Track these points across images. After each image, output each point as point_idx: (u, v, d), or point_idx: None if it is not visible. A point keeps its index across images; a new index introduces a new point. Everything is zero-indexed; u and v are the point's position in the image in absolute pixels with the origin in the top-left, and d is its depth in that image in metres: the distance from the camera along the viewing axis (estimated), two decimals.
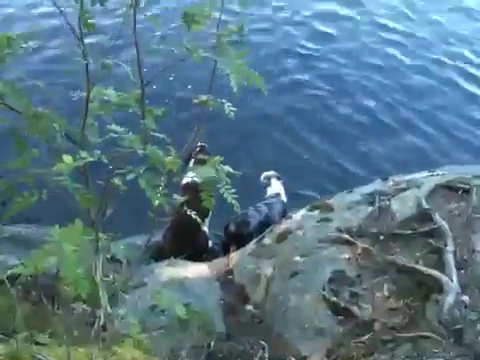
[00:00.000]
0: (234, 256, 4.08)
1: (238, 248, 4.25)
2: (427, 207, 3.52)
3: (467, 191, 3.67)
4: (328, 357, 2.78)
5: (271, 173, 5.26)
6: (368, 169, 6.04)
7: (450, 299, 2.71)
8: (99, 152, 1.49)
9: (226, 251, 4.38)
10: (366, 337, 2.77)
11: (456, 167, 5.08)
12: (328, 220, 3.85)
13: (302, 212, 4.23)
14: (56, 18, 7.14)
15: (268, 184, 5.20)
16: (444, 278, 2.85)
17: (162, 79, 6.26)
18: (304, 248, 3.59)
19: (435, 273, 2.93)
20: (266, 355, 2.82)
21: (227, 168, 1.55)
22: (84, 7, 1.44)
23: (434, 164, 5.39)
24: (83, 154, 1.40)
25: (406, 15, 9.23)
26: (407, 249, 3.29)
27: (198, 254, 4.39)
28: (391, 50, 8.26)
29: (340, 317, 2.95)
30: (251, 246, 4.05)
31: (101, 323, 1.70)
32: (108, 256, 1.80)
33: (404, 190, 3.95)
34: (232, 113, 1.59)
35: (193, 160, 4.77)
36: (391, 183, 4.33)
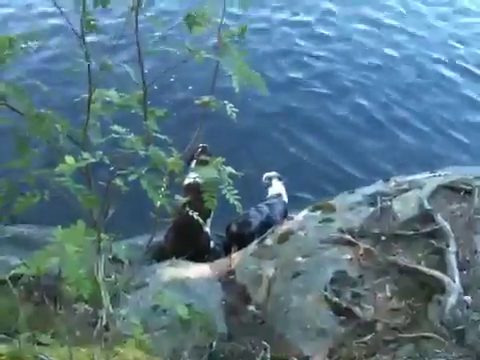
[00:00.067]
0: (236, 256, 4.08)
1: (240, 248, 4.25)
2: (429, 208, 3.51)
3: (469, 192, 3.67)
4: (330, 357, 2.77)
5: (272, 174, 5.26)
6: (369, 170, 6.04)
7: (452, 300, 2.70)
8: (101, 153, 1.49)
9: (227, 251, 4.38)
10: (368, 337, 2.77)
11: (458, 168, 5.07)
12: (330, 221, 3.85)
13: (304, 213, 4.23)
14: (55, 18, 7.16)
15: (269, 184, 5.21)
16: (446, 279, 2.85)
17: (162, 79, 6.26)
18: (306, 249, 3.59)
19: (437, 274, 2.92)
20: (268, 355, 2.82)
21: (229, 169, 1.55)
22: (86, 9, 1.44)
23: (436, 165, 5.39)
24: (85, 155, 1.40)
25: (404, 15, 9.23)
26: (409, 250, 3.28)
27: (200, 254, 4.39)
28: (390, 51, 8.26)
29: (342, 317, 2.95)
30: (253, 247, 4.05)
31: (103, 323, 1.70)
32: (110, 256, 1.80)
33: (406, 191, 3.95)
34: (234, 114, 1.59)
35: (195, 161, 4.77)
36: (393, 184, 4.33)
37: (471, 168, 5.03)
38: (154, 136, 1.64)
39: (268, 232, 4.10)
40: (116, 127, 1.57)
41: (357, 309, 2.95)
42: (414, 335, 2.65)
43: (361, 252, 3.35)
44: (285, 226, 4.07)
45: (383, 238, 3.44)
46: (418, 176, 4.46)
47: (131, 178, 1.49)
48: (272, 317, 3.23)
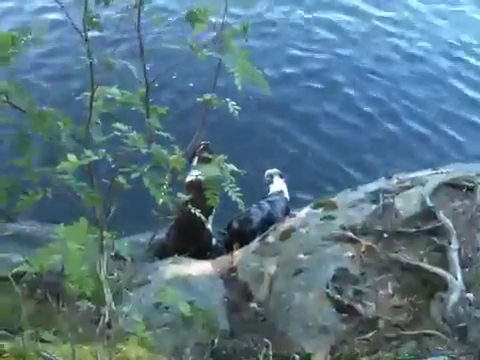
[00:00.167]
0: (238, 254, 4.09)
1: (241, 246, 4.25)
2: (431, 205, 3.51)
3: (471, 189, 3.67)
4: (332, 355, 2.78)
5: (274, 171, 5.26)
6: (370, 168, 6.02)
7: (454, 297, 2.71)
8: (104, 151, 1.49)
9: (229, 249, 4.38)
10: (370, 335, 2.78)
11: (460, 165, 5.06)
12: (332, 218, 3.85)
13: (306, 210, 4.23)
14: (55, 12, 7.12)
15: (271, 182, 5.20)
16: (448, 276, 2.85)
17: (164, 76, 6.25)
18: (308, 246, 3.59)
19: (439, 271, 2.92)
20: (270, 353, 2.83)
21: (231, 166, 1.55)
22: (88, 7, 1.44)
23: (437, 162, 5.38)
24: (88, 153, 1.40)
25: (402, 13, 9.19)
26: (411, 247, 3.28)
27: (202, 252, 4.39)
28: (390, 51, 8.24)
29: (344, 315, 2.96)
30: (255, 244, 4.05)
31: (106, 321, 1.71)
32: (112, 254, 1.81)
33: (408, 188, 3.95)
34: (236, 112, 1.59)
35: (197, 158, 4.77)
36: (395, 181, 4.32)
37: (473, 165, 5.01)
38: (156, 134, 1.64)
39: (270, 229, 4.10)
40: (118, 125, 1.57)
41: (359, 306, 2.95)
42: (416, 332, 2.66)
43: (363, 249, 3.35)
44: (287, 223, 4.07)
45: (385, 235, 3.44)
46: (420, 173, 4.45)
47: (133, 176, 1.49)
48: (274, 314, 3.24)
